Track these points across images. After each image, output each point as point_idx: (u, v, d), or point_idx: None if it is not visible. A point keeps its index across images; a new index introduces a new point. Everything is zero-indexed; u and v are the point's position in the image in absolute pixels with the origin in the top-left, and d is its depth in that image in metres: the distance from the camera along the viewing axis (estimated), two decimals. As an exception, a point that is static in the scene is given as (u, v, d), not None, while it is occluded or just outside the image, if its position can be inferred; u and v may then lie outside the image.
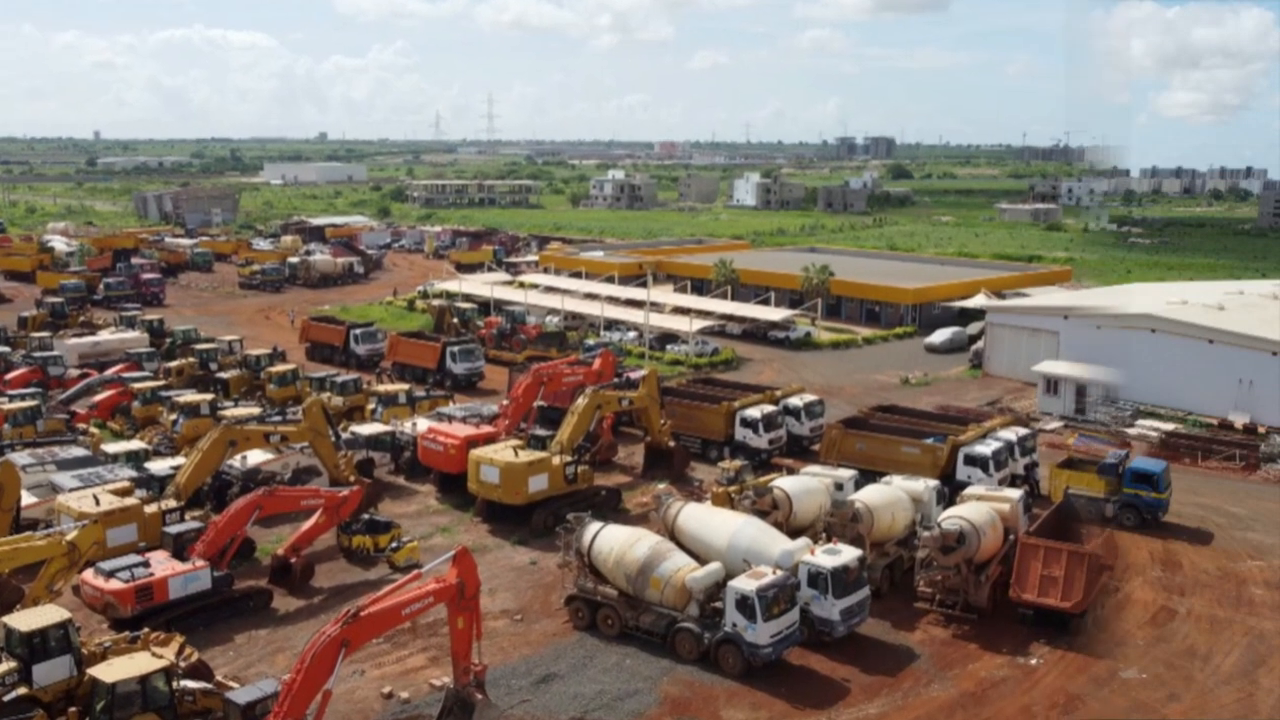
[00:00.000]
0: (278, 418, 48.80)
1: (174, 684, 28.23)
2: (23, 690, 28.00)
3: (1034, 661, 35.00)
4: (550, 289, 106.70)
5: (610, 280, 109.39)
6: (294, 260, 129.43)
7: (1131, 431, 60.93)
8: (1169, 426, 61.34)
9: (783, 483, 42.39)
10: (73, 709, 27.85)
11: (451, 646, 30.02)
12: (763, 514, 40.20)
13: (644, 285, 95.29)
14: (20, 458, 47.48)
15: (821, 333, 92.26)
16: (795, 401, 58.25)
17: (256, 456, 49.51)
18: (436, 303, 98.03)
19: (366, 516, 44.30)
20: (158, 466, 48.05)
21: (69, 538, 35.19)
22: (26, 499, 43.10)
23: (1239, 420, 61.70)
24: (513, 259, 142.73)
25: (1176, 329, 66.10)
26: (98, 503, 39.99)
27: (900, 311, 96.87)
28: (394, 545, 42.62)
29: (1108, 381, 64.80)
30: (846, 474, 44.95)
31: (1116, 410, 64.63)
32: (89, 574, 36.23)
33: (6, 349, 76.22)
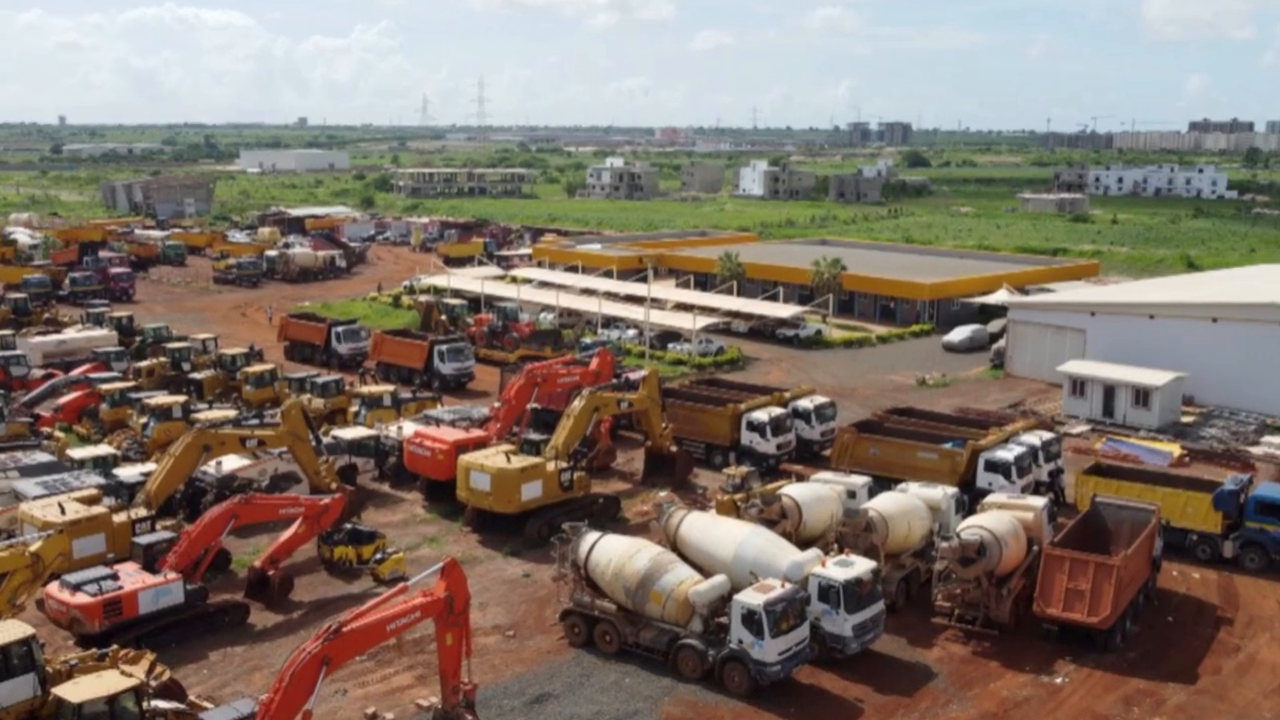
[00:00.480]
0: (255, 421, 48.76)
1: (144, 704, 28.23)
2: (-17, 711, 28.03)
3: (1059, 680, 35.01)
4: (544, 284, 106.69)
5: (608, 275, 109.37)
6: (272, 253, 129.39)
7: (1257, 451, 58.43)
8: None
9: (792, 490, 42.40)
10: (37, 731, 27.86)
11: (439, 664, 30.06)
12: (770, 523, 40.20)
13: (644, 280, 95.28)
14: (-19, 463, 47.50)
15: (833, 331, 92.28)
16: (805, 404, 58.26)
17: (232, 462, 49.52)
18: (423, 299, 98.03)
19: (349, 526, 44.32)
20: (127, 473, 48.05)
21: (33, 549, 35.20)
22: (-13, 507, 43.14)
23: None
24: (505, 252, 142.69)
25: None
26: (63, 511, 39.96)
27: (917, 308, 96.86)
28: (378, 557, 42.65)
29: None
30: (859, 481, 44.95)
31: (1238, 424, 63.07)
32: (54, 587, 36.24)
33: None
